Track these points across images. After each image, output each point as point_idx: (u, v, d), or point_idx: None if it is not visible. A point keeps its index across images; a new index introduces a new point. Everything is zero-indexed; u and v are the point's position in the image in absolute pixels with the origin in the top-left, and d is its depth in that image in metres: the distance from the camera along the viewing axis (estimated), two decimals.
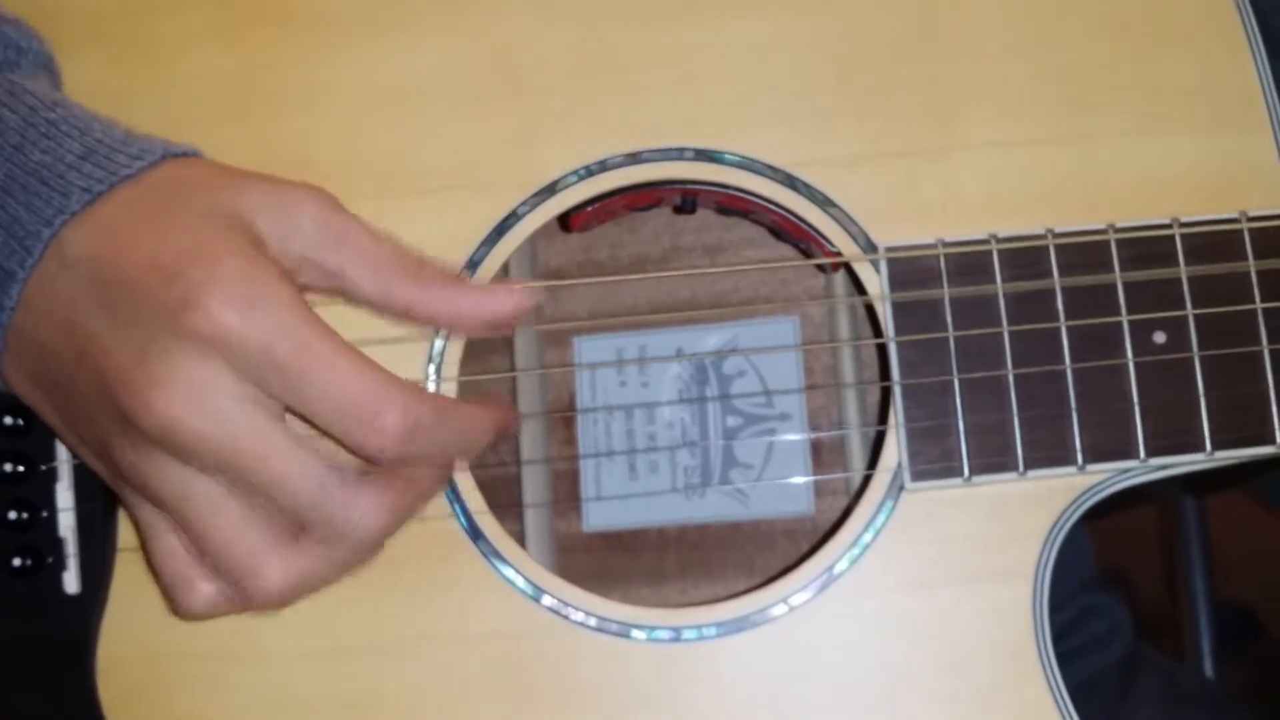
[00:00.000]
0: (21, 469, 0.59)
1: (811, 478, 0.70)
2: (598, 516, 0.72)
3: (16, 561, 0.59)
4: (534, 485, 0.70)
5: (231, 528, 0.51)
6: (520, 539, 0.68)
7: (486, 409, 0.54)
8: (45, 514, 0.59)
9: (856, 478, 0.67)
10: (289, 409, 0.50)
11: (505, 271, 0.63)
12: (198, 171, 0.53)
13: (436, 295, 0.53)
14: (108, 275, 0.50)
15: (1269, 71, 0.60)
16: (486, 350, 0.71)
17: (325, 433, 0.50)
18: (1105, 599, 0.79)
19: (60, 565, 0.59)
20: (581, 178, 0.61)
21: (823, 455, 0.72)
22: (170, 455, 0.50)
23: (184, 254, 0.49)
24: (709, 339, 0.72)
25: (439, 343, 0.60)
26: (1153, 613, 1.17)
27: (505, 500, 0.69)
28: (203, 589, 0.53)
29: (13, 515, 0.59)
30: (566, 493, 0.72)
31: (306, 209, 0.52)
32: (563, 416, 0.73)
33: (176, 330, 0.48)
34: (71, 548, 0.59)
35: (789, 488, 0.71)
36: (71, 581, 0.59)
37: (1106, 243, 0.59)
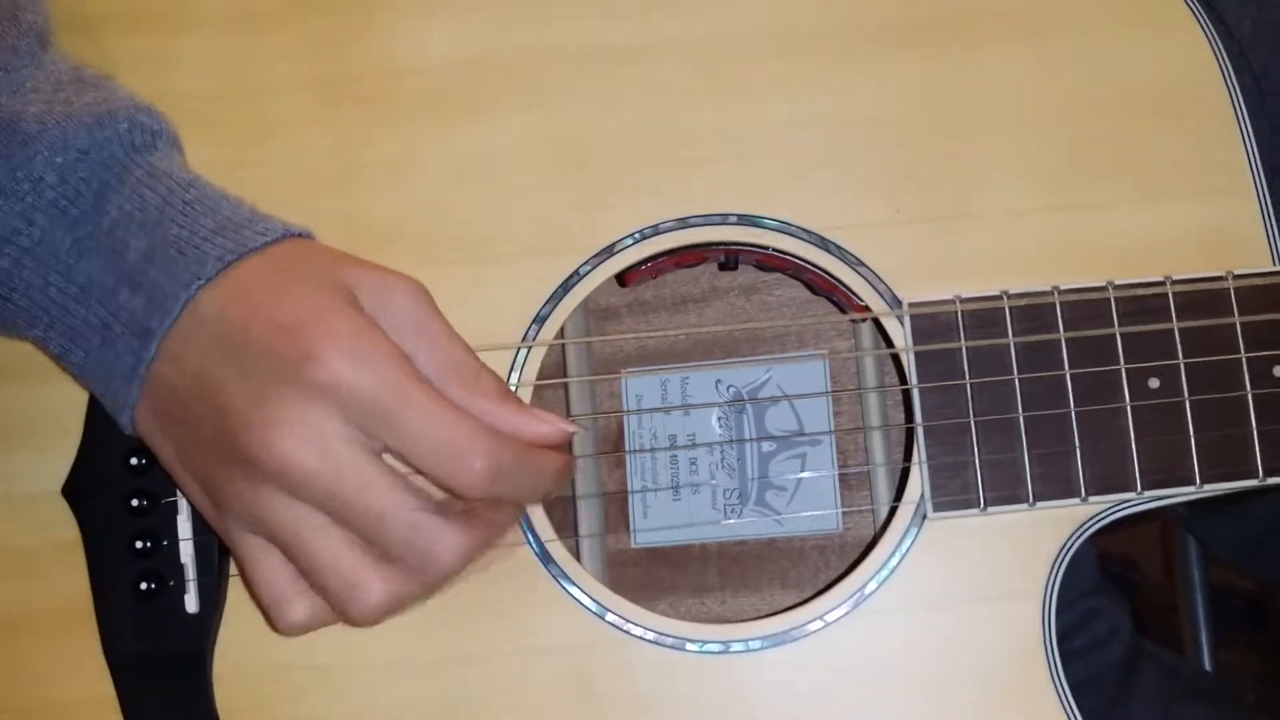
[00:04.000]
0: (145, 503, 0.65)
1: (841, 510, 0.76)
2: (646, 535, 0.78)
3: (143, 585, 0.65)
4: (589, 515, 0.75)
5: (335, 552, 0.56)
6: (576, 554, 0.73)
7: (555, 455, 0.59)
8: (166, 543, 0.65)
9: (883, 509, 0.73)
10: (389, 450, 0.56)
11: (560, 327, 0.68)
12: (311, 249, 0.60)
13: (481, 409, 0.57)
14: (234, 332, 0.56)
15: (1254, 144, 0.66)
16: (543, 388, 0.77)
17: (420, 471, 0.56)
18: (1106, 602, 0.84)
19: (181, 588, 0.65)
20: (636, 240, 0.67)
21: (850, 479, 0.78)
22: (283, 489, 0.55)
23: (303, 314, 0.55)
24: (746, 375, 0.78)
25: (512, 386, 0.67)
26: (1154, 610, 1.23)
27: (562, 521, 0.75)
28: (299, 607, 0.58)
29: (139, 544, 0.65)
30: (618, 514, 0.78)
31: (401, 295, 0.58)
32: (613, 444, 0.79)
33: (294, 379, 0.54)
34: (191, 573, 0.65)
35: (819, 508, 0.77)
36: (191, 602, 0.65)
37: (1107, 299, 0.65)
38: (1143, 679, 0.84)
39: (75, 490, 0.66)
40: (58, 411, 0.67)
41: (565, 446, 0.61)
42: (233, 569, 0.67)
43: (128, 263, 0.58)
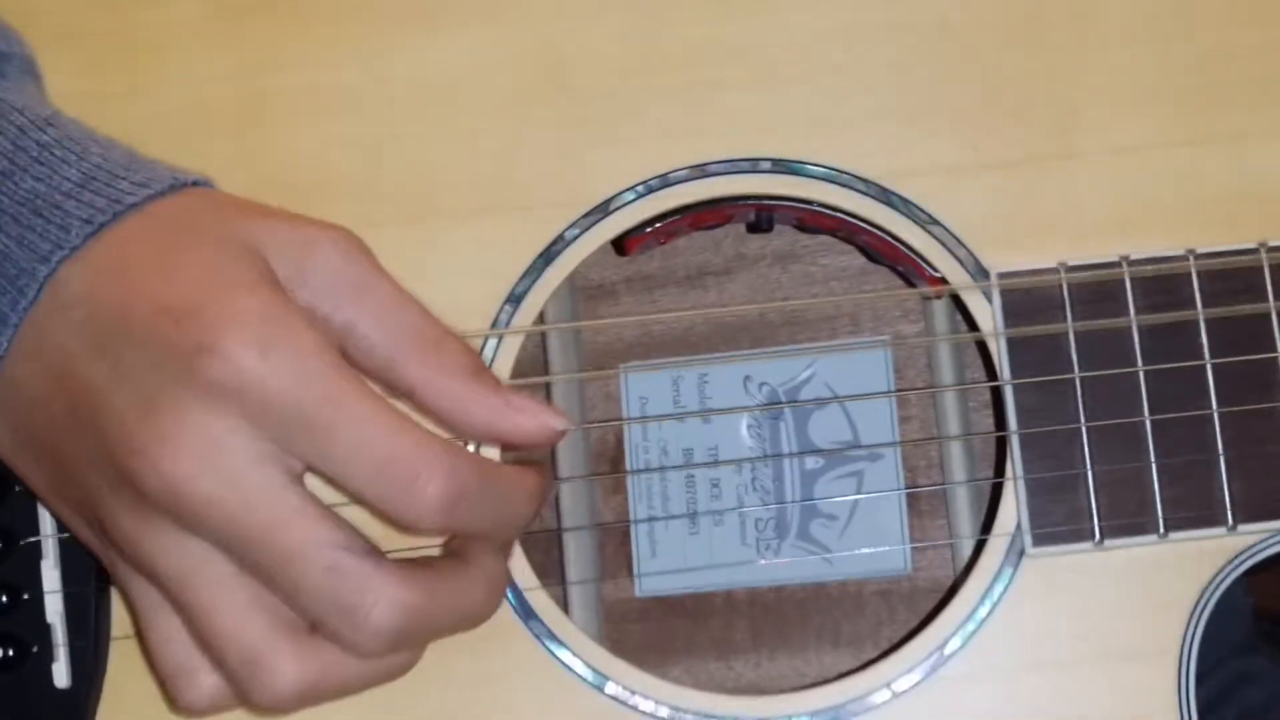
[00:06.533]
0: (0, 545, 0.61)
1: (909, 545, 0.74)
2: (654, 580, 0.74)
3: None
4: (580, 554, 0.72)
5: (239, 612, 0.52)
6: (564, 605, 0.70)
7: (530, 473, 0.56)
8: (28, 596, 0.61)
9: (966, 544, 0.70)
10: (314, 470, 0.52)
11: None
12: (210, 203, 0.56)
13: (449, 389, 0.54)
14: (109, 318, 0.52)
15: None
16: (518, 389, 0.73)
17: (357, 499, 0.52)
18: (1264, 663, 0.79)
19: (48, 655, 0.61)
20: (640, 195, 0.64)
21: (921, 504, 0.75)
22: (174, 523, 0.51)
23: (197, 292, 0.51)
24: (783, 369, 0.74)
25: None
26: None
27: (545, 563, 0.71)
28: (206, 681, 0.54)
29: None
30: (616, 552, 0.75)
31: (326, 251, 0.54)
32: (609, 460, 0.74)
33: (188, 378, 0.50)
34: (60, 635, 0.61)
35: (881, 542, 0.74)
36: (61, 674, 0.61)
37: (1258, 265, 0.61)
38: None
39: None
40: None
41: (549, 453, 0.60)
42: (114, 631, 0.62)
43: None
